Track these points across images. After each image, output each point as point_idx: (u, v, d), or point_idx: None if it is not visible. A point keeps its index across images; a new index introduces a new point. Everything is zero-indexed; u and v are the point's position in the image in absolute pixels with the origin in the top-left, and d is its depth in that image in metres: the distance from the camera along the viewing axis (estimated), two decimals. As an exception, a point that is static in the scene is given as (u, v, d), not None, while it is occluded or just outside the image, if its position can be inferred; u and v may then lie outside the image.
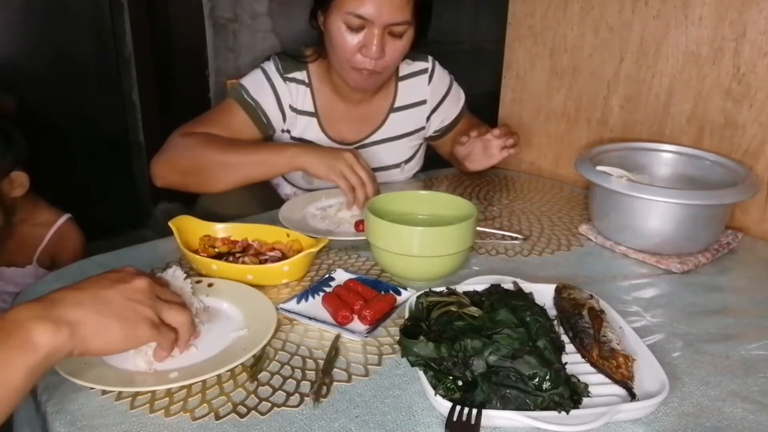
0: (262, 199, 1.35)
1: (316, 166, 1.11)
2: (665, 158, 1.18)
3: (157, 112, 2.72)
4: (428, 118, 1.38)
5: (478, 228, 1.06)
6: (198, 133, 1.19)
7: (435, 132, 1.42)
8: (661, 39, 1.22)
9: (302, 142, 1.30)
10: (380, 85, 1.26)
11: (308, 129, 1.30)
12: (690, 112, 1.21)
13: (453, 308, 0.77)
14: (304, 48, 1.29)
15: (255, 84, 1.26)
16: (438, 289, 0.83)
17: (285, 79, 1.26)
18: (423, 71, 1.35)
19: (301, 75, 1.27)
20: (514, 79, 1.53)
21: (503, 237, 1.11)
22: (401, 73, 1.34)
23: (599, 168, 1.06)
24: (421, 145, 1.43)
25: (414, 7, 1.12)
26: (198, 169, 1.14)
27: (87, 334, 0.58)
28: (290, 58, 1.28)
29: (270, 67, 1.27)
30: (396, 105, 1.34)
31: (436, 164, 1.51)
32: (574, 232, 1.14)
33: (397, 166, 1.38)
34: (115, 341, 0.61)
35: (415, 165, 1.43)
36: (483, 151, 1.27)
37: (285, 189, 1.40)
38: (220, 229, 1.02)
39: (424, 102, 1.36)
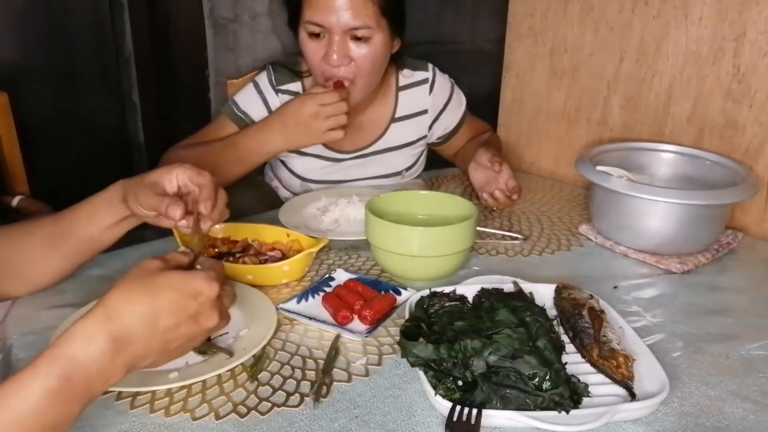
0: (262, 199, 1.35)
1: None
2: (665, 158, 1.18)
3: (157, 112, 2.72)
4: (430, 127, 1.38)
5: (478, 228, 1.06)
6: (186, 145, 1.21)
7: (438, 139, 1.42)
8: (661, 39, 1.22)
9: (301, 155, 1.31)
10: (364, 96, 1.21)
11: None
12: (690, 112, 1.21)
13: (453, 308, 0.77)
14: (302, 59, 1.29)
15: (246, 99, 1.26)
16: (439, 289, 0.83)
17: (277, 92, 1.25)
18: (423, 81, 1.34)
19: (295, 86, 1.26)
20: (514, 79, 1.53)
21: (503, 237, 1.11)
22: (401, 83, 1.33)
23: (599, 168, 1.06)
24: (423, 151, 1.43)
25: (378, 10, 1.10)
26: None
27: (138, 367, 0.59)
28: (285, 70, 1.27)
29: (263, 80, 1.27)
30: (397, 115, 1.33)
31: (437, 164, 1.51)
32: (574, 232, 1.14)
33: (398, 173, 1.38)
34: (154, 366, 0.62)
35: (416, 170, 1.42)
36: (492, 182, 1.22)
37: (284, 193, 1.40)
38: (220, 229, 1.02)
39: (425, 112, 1.35)
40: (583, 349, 0.73)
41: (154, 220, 0.79)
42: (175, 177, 0.77)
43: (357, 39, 1.11)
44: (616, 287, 0.93)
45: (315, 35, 1.12)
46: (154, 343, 0.57)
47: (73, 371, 0.52)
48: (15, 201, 1.46)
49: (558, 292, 0.84)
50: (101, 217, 0.80)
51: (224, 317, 0.64)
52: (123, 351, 0.55)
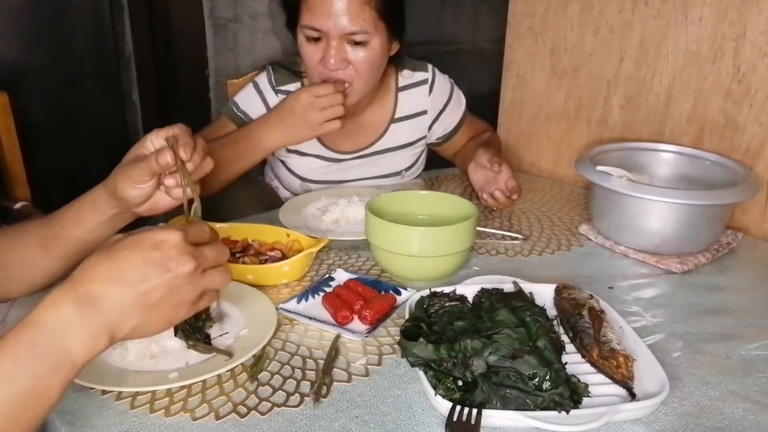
0: (262, 199, 1.35)
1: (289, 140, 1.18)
2: (665, 158, 1.18)
3: (157, 112, 2.72)
4: (430, 127, 1.38)
5: (478, 228, 1.06)
6: None
7: (437, 139, 1.42)
8: (661, 39, 1.22)
9: (301, 155, 1.31)
10: (361, 98, 1.21)
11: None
12: (690, 112, 1.21)
13: (453, 308, 0.77)
14: (301, 60, 1.29)
15: (246, 99, 1.27)
16: (439, 289, 0.83)
17: (277, 92, 1.26)
18: (423, 82, 1.34)
19: (294, 87, 1.26)
20: (514, 79, 1.53)
21: (503, 237, 1.11)
22: (401, 84, 1.33)
23: (599, 168, 1.06)
24: (422, 151, 1.43)
25: (376, 14, 1.10)
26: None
27: (126, 334, 0.57)
28: (285, 70, 1.27)
29: (262, 80, 1.27)
30: (396, 116, 1.33)
31: (437, 164, 1.51)
32: (574, 232, 1.14)
33: (398, 173, 1.38)
34: (151, 333, 0.59)
35: (416, 171, 1.42)
36: (492, 182, 1.22)
37: (284, 193, 1.40)
38: (220, 229, 1.02)
39: (424, 112, 1.35)
40: (583, 349, 0.73)
41: (148, 207, 0.78)
42: (149, 142, 0.77)
43: (355, 43, 1.11)
44: (611, 288, 0.93)
45: (313, 39, 1.12)
46: (127, 298, 0.55)
47: (39, 337, 0.51)
48: (17, 207, 1.47)
49: (558, 292, 0.84)
50: (86, 219, 0.79)
51: (222, 274, 0.62)
52: (94, 311, 0.54)
